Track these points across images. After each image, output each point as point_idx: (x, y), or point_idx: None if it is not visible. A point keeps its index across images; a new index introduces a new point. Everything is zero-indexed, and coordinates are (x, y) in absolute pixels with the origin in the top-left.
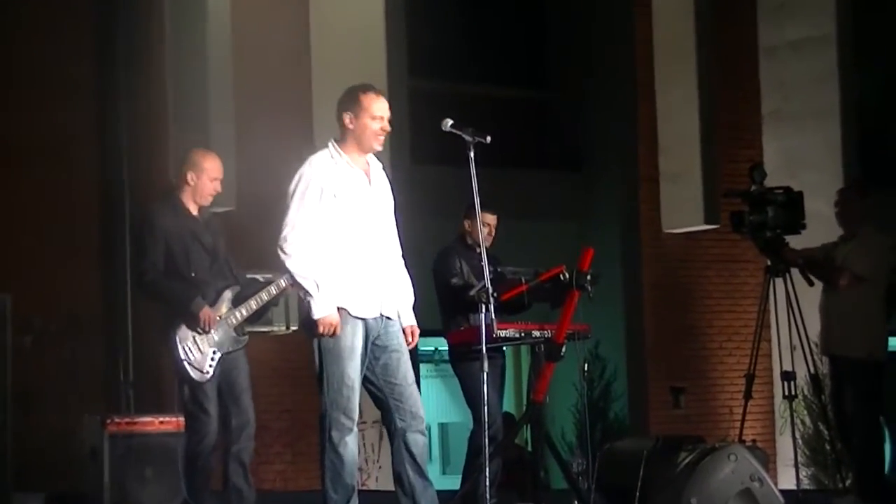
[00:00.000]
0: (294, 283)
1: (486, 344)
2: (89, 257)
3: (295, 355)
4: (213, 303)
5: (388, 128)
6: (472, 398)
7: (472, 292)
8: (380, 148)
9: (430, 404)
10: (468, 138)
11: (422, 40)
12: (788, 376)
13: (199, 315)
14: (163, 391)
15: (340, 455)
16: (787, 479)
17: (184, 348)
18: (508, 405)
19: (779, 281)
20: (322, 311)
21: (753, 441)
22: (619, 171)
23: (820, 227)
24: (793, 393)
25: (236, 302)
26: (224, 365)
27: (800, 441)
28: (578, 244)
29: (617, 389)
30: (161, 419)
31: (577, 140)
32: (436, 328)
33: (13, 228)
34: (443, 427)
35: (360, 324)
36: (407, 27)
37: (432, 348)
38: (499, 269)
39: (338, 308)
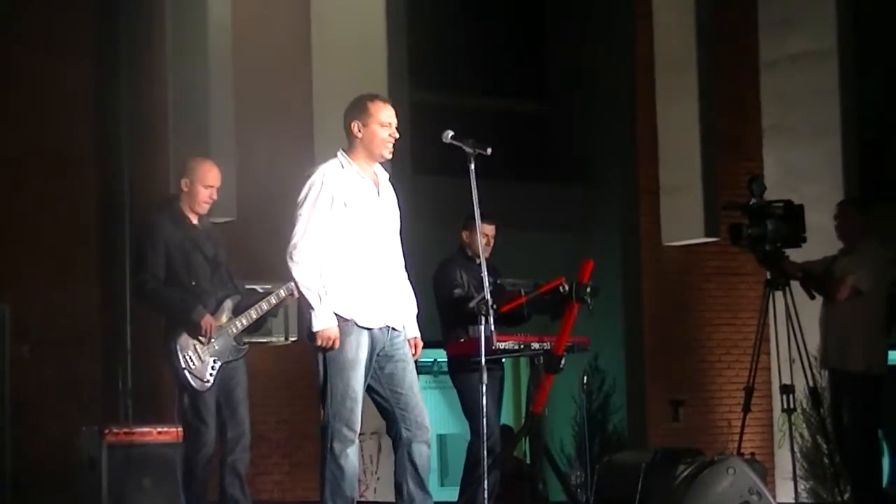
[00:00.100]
0: (298, 293)
1: (485, 356)
2: (88, 267)
3: (293, 366)
4: (214, 312)
5: (396, 135)
6: (470, 410)
7: (472, 304)
8: (389, 156)
9: (429, 416)
10: (469, 150)
11: (423, 52)
12: (787, 389)
13: (200, 323)
14: (161, 401)
15: (341, 467)
16: (785, 493)
17: (184, 357)
18: (507, 417)
19: (778, 294)
20: (321, 324)
21: (752, 454)
22: (620, 183)
23: (820, 241)
24: (791, 406)
25: (236, 311)
26: (223, 375)
27: (798, 454)
28: (578, 256)
29: (616, 402)
30: (160, 429)
31: (578, 152)
32: (435, 339)
33: (12, 237)
34: (441, 439)
35: (365, 335)
36: (408, 39)
37: (431, 360)
38: (498, 281)
39: (344, 318)
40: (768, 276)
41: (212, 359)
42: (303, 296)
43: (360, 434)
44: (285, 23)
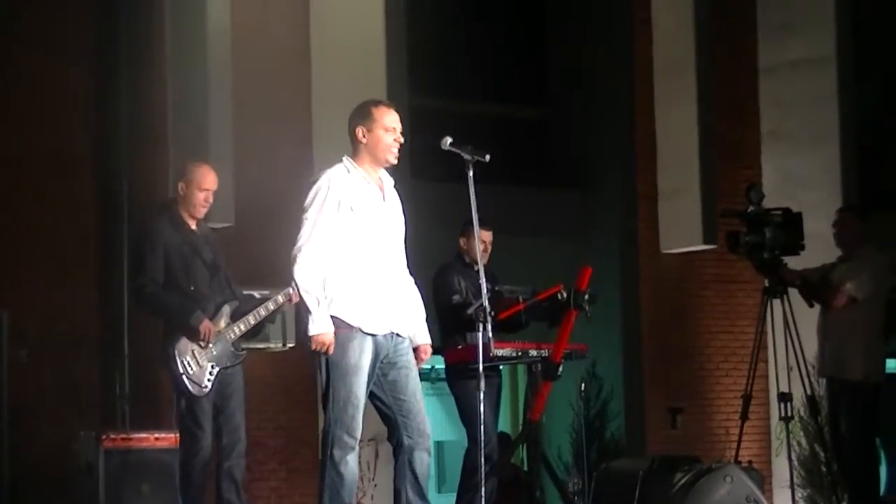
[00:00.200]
0: (298, 295)
1: (483, 363)
2: (86, 271)
3: (291, 372)
4: (213, 317)
5: (401, 139)
6: (468, 417)
7: (470, 311)
8: (395, 161)
9: None
10: (467, 157)
11: (422, 56)
12: (785, 397)
13: (199, 328)
14: (159, 407)
15: (341, 474)
16: (782, 501)
17: (182, 362)
18: (504, 424)
19: (776, 302)
20: (317, 328)
21: (749, 462)
22: (618, 189)
23: (819, 248)
24: (789, 414)
25: (235, 317)
26: (220, 381)
27: (796, 462)
28: (576, 263)
29: (613, 409)
30: (157, 435)
31: (576, 157)
32: (433, 346)
33: (10, 242)
34: (438, 445)
35: (369, 341)
36: (407, 43)
37: (429, 366)
38: (496, 288)
39: (350, 325)
40: (766, 284)
41: (210, 364)
42: (302, 299)
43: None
44: (284, 27)
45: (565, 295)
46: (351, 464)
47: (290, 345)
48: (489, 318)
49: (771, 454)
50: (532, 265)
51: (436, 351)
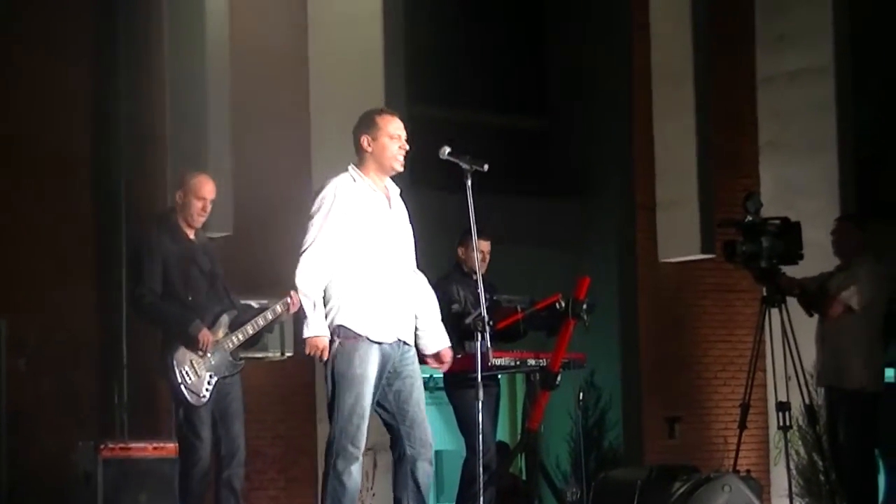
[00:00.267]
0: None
1: (481, 372)
2: (85, 280)
3: (289, 381)
4: (211, 327)
5: (406, 146)
6: (466, 426)
7: (468, 320)
8: (401, 168)
9: None
10: (465, 166)
11: (421, 66)
12: (783, 407)
13: (197, 337)
14: (157, 416)
15: (344, 484)
16: None
17: (181, 372)
18: (503, 433)
19: (774, 311)
20: (312, 331)
21: (748, 471)
22: (616, 199)
23: (816, 257)
24: (787, 423)
25: (233, 327)
26: (219, 390)
27: (794, 471)
28: (574, 272)
29: (612, 418)
30: (155, 444)
31: (575, 167)
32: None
33: (8, 250)
34: (437, 455)
35: (376, 351)
36: (406, 52)
37: (427, 375)
38: (495, 297)
39: (356, 333)
40: (764, 293)
41: (208, 374)
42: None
43: None
44: (282, 36)
45: (564, 304)
46: (354, 474)
47: (289, 354)
48: (488, 328)
49: (769, 463)
50: (530, 275)
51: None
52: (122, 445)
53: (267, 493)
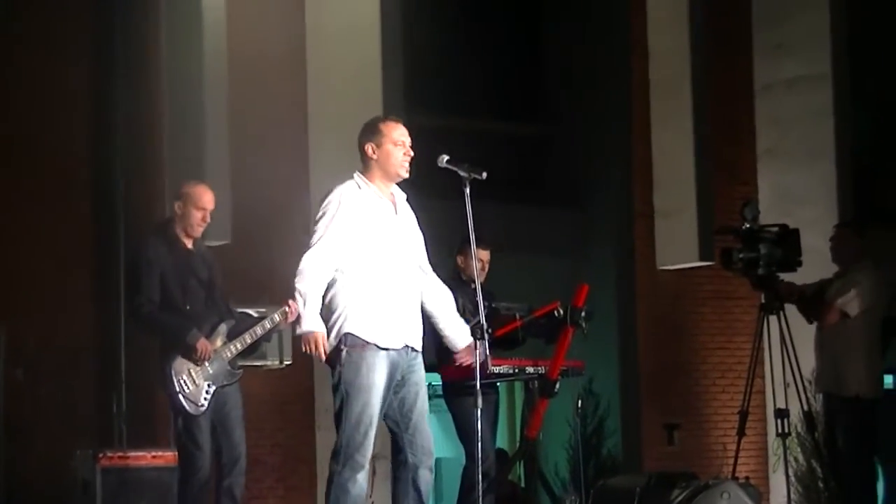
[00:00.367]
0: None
1: (480, 380)
2: (83, 289)
3: (287, 389)
4: (209, 336)
5: (410, 153)
6: (465, 434)
7: None
8: (406, 175)
9: None
10: (464, 174)
11: (419, 75)
12: (782, 414)
13: (195, 346)
14: (156, 425)
15: (349, 492)
16: None
17: (179, 381)
18: (501, 441)
19: (773, 318)
20: (306, 327)
21: (747, 478)
22: (615, 207)
23: (815, 264)
24: (786, 430)
25: (231, 336)
26: (217, 399)
27: (793, 478)
28: (573, 280)
29: (610, 426)
30: (154, 453)
31: (573, 176)
32: (430, 363)
33: (6, 259)
34: (436, 462)
35: (384, 358)
36: (404, 62)
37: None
38: (493, 305)
39: (364, 341)
40: (763, 300)
41: (206, 383)
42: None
43: None
44: (280, 44)
45: (562, 312)
46: (360, 482)
47: (287, 362)
48: (486, 336)
49: (768, 470)
50: (529, 282)
51: (433, 368)
52: (120, 454)
53: (266, 502)
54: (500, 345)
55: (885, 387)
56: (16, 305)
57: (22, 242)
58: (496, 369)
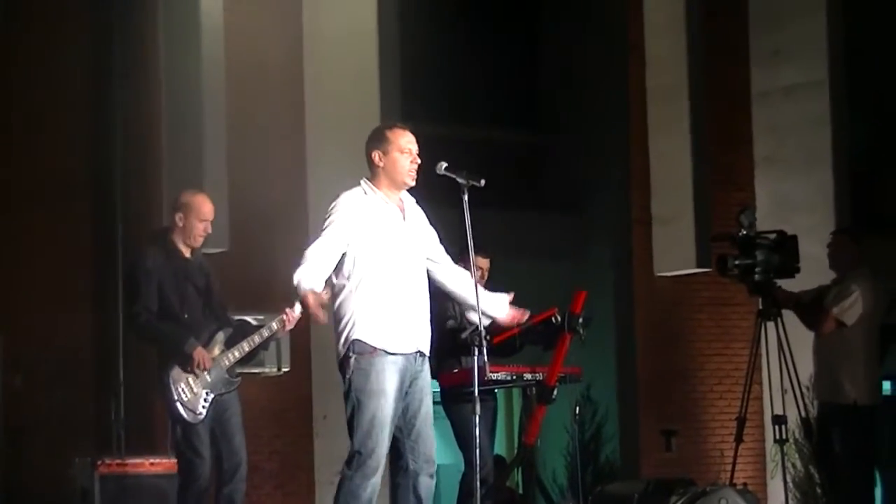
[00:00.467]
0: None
1: (478, 386)
2: (82, 298)
3: (285, 396)
4: (206, 344)
5: (417, 161)
6: (463, 440)
7: (465, 335)
8: (412, 182)
9: None
10: (462, 182)
11: (416, 83)
12: (780, 420)
13: (193, 355)
14: (154, 433)
15: (359, 498)
16: None
17: (177, 389)
18: (499, 448)
19: (770, 324)
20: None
21: (744, 484)
22: (612, 214)
23: (812, 271)
24: (784, 436)
25: (229, 344)
26: (216, 406)
27: (791, 485)
28: (570, 286)
29: (608, 432)
30: (152, 461)
31: (571, 183)
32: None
33: (5, 268)
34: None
35: (393, 365)
36: (401, 70)
37: None
38: None
39: (374, 347)
40: (760, 307)
41: (204, 391)
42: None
43: None
44: (278, 52)
45: (560, 318)
46: (371, 488)
47: (285, 369)
48: (484, 343)
49: (766, 476)
50: (527, 289)
51: (432, 375)
52: (118, 461)
53: None
54: (498, 352)
55: (884, 393)
56: (14, 314)
57: (21, 252)
58: (494, 376)
